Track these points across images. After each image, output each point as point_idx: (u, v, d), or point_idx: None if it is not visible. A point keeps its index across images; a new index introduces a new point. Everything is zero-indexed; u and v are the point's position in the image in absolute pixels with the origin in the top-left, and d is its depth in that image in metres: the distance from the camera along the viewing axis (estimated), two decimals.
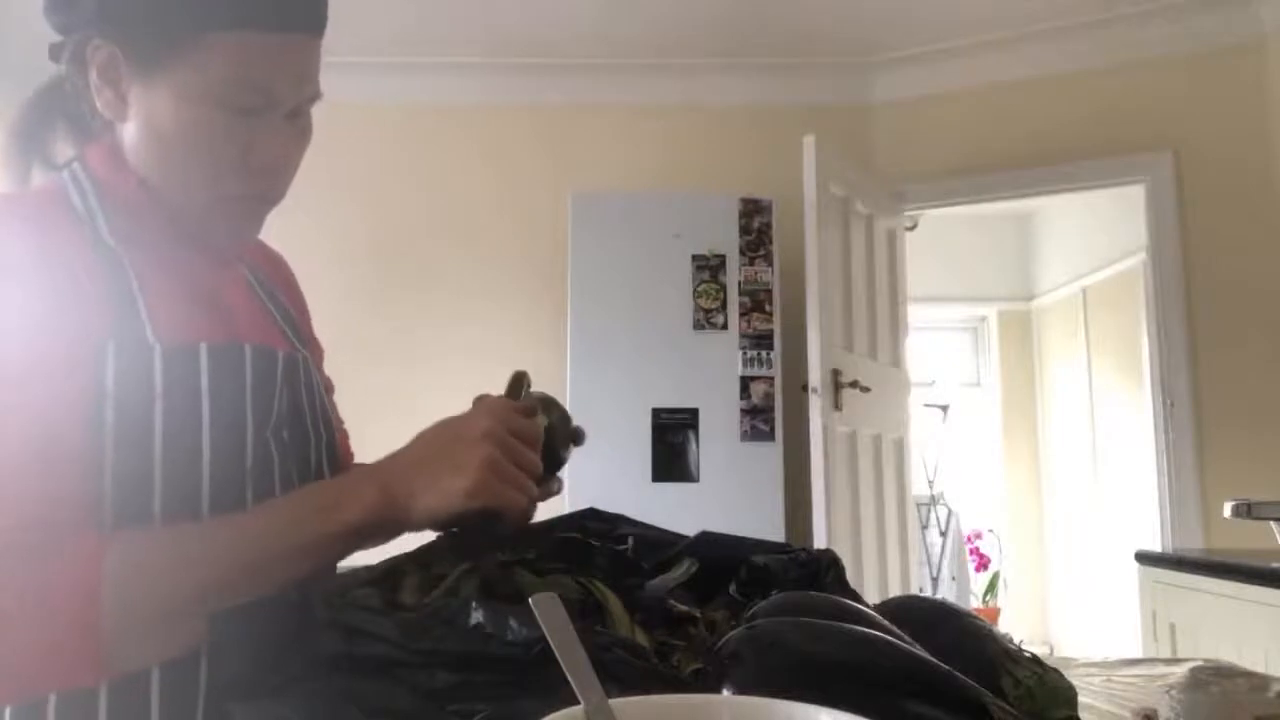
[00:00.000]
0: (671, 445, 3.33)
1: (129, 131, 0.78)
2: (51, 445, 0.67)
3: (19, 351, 0.68)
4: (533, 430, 0.76)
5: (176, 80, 0.73)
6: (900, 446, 3.75)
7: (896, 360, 3.78)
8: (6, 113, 0.85)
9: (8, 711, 0.68)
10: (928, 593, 5.09)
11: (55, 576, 0.63)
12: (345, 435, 1.00)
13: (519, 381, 0.81)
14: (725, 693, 0.53)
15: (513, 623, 0.58)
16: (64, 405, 0.68)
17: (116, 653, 0.64)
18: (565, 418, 0.85)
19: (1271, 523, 2.10)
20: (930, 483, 5.62)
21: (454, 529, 0.74)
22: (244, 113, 0.75)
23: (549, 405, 0.84)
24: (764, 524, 3.17)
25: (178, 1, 0.72)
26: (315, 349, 0.98)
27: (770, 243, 3.44)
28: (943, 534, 5.63)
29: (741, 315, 3.40)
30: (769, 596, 0.68)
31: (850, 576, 0.79)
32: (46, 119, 0.83)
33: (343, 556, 0.73)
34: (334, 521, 0.70)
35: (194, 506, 0.72)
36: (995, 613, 5.61)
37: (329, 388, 0.97)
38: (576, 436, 0.86)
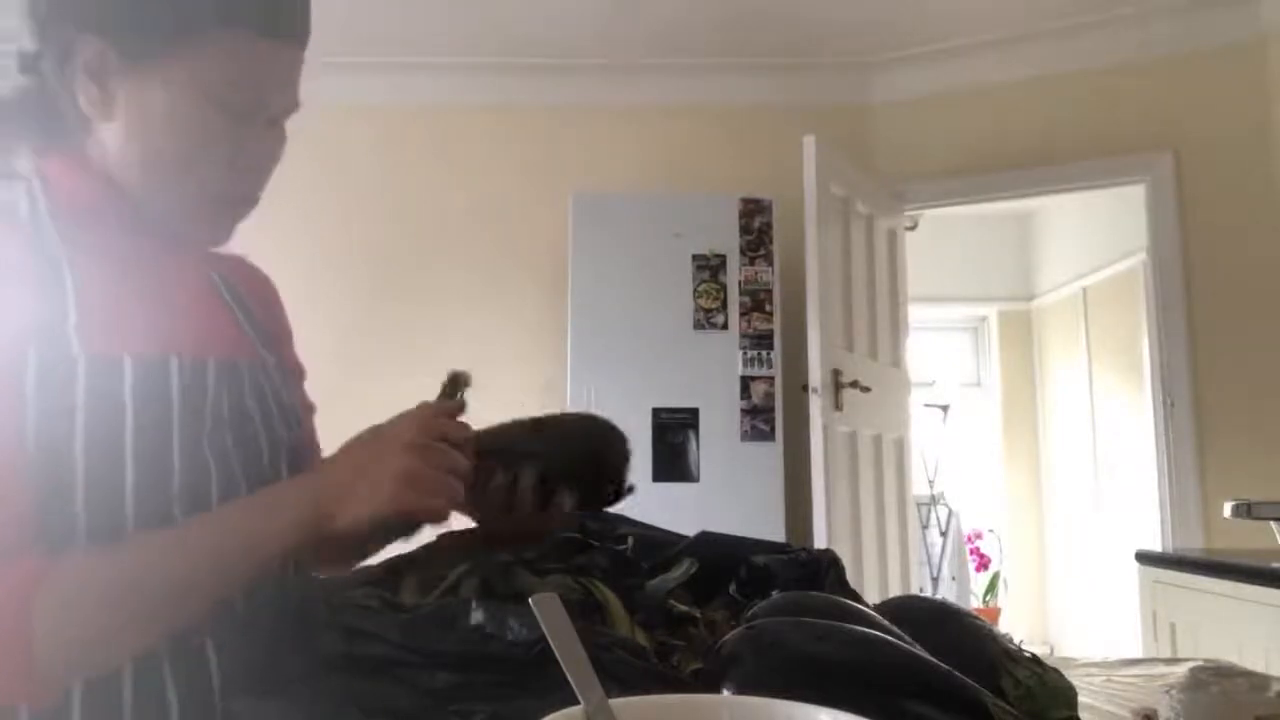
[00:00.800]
0: (671, 445, 3.33)
1: (111, 131, 0.77)
2: None
3: None
4: (459, 431, 0.77)
5: (172, 78, 0.74)
6: (900, 446, 3.75)
7: (896, 360, 3.78)
8: None
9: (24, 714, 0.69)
10: (928, 593, 5.09)
11: None
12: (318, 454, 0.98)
13: (455, 382, 0.84)
14: (725, 693, 0.53)
15: (513, 623, 0.58)
16: None
17: (51, 671, 0.65)
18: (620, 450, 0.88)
19: (1271, 523, 2.10)
20: (930, 483, 5.62)
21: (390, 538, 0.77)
22: (235, 115, 0.77)
23: (613, 435, 0.87)
24: (764, 524, 3.17)
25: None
26: (296, 367, 0.99)
27: (770, 243, 3.44)
28: (943, 534, 5.63)
29: (741, 315, 3.40)
30: (769, 596, 0.68)
31: (850, 576, 0.79)
32: (4, 127, 0.82)
33: (288, 560, 0.75)
34: (266, 543, 0.72)
35: (118, 517, 0.71)
36: (995, 613, 5.61)
37: (308, 408, 0.98)
38: (620, 486, 0.88)
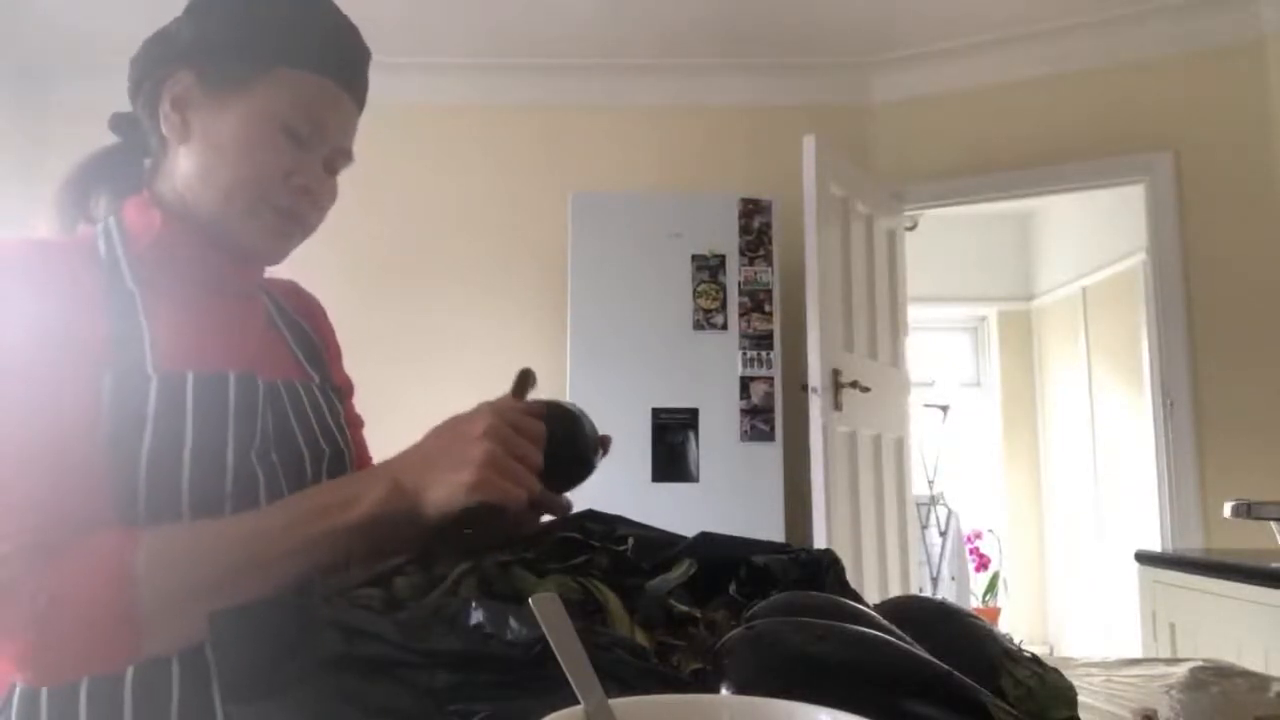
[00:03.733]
0: (671, 445, 3.33)
1: (186, 151, 0.88)
2: (60, 459, 0.74)
3: (32, 376, 0.75)
4: (534, 427, 0.80)
5: (246, 104, 0.86)
6: (900, 446, 3.75)
7: (896, 360, 3.78)
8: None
9: (44, 698, 0.74)
10: (928, 593, 5.09)
11: (90, 568, 0.70)
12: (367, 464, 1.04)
13: (524, 380, 0.86)
14: (725, 692, 0.53)
15: (513, 623, 0.58)
16: (69, 426, 0.75)
17: (147, 639, 0.71)
18: (573, 429, 0.89)
19: (1271, 523, 2.10)
20: (930, 483, 5.62)
21: (465, 529, 0.77)
22: (297, 141, 0.87)
23: (566, 416, 0.88)
24: (764, 524, 3.17)
25: (261, 39, 0.86)
26: (343, 383, 1.06)
27: (770, 243, 3.44)
28: (943, 534, 5.63)
29: (741, 315, 3.40)
30: (769, 596, 0.68)
31: (850, 576, 0.79)
32: (92, 183, 0.94)
33: (355, 550, 0.77)
34: (347, 515, 0.75)
35: (174, 518, 0.78)
36: (995, 613, 5.61)
37: (355, 422, 1.05)
38: (604, 444, 0.92)
